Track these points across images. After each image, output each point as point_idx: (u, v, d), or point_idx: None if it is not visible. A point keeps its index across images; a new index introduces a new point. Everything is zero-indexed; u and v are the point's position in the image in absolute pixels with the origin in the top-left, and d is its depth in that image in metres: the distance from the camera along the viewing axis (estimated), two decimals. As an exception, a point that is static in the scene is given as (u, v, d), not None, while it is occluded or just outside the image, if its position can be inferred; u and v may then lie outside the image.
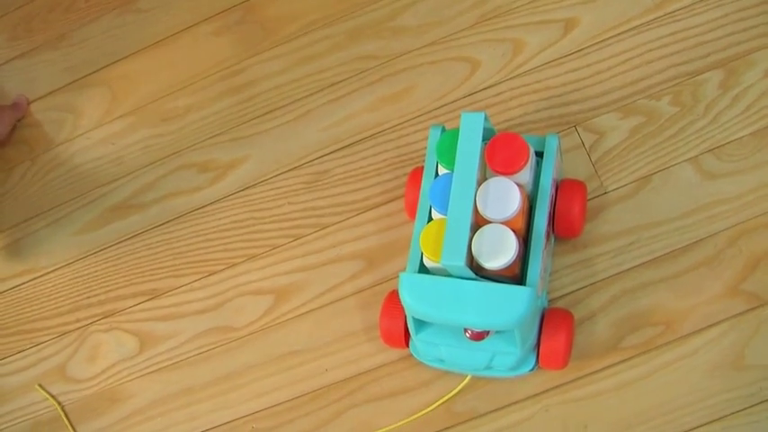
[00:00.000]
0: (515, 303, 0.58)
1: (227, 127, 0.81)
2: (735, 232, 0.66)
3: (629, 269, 0.67)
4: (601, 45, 0.74)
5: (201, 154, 0.81)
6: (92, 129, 0.85)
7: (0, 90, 0.90)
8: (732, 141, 0.69)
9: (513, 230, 0.59)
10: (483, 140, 0.60)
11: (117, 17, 0.88)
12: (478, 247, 0.59)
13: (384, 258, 0.73)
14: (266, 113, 0.80)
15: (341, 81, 0.79)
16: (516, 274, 0.62)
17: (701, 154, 0.69)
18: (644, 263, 0.67)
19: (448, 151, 0.61)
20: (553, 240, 0.68)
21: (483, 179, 0.61)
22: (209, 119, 0.82)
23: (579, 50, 0.74)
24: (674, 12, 0.73)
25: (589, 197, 0.69)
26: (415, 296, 0.60)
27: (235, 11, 0.84)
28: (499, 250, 0.58)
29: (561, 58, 0.74)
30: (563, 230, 0.66)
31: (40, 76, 0.89)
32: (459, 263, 0.57)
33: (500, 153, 0.60)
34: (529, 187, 0.63)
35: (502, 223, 0.59)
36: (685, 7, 0.73)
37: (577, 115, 0.72)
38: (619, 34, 0.73)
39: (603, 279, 0.68)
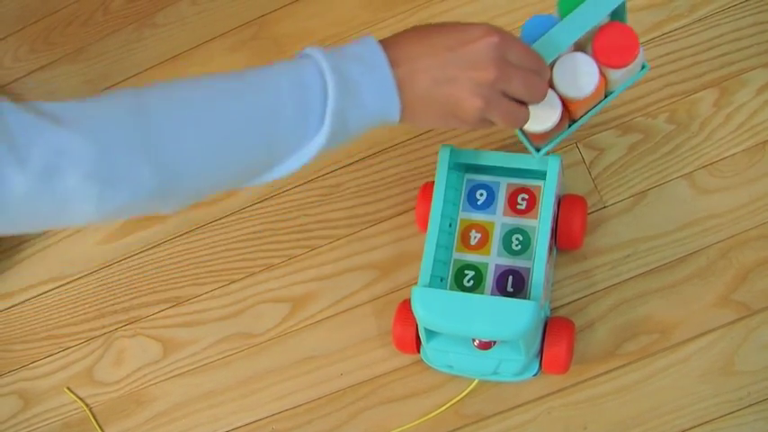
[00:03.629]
0: (520, 317, 0.62)
1: (244, 141, 0.84)
2: (726, 245, 0.70)
3: (626, 280, 0.71)
4: (601, 64, 0.77)
5: (219, 167, 0.84)
6: (112, 141, 0.88)
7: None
8: (725, 158, 0.73)
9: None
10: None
11: (134, 31, 0.91)
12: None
13: (397, 268, 0.77)
14: (281, 128, 0.84)
15: (352, 97, 0.83)
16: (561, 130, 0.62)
17: (695, 170, 0.73)
18: (640, 274, 0.71)
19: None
20: (555, 252, 0.73)
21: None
22: (226, 132, 0.85)
23: (580, 69, 0.77)
24: (671, 32, 0.76)
25: (589, 211, 0.73)
26: (427, 309, 0.64)
27: (249, 27, 0.88)
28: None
29: (563, 76, 0.78)
30: (564, 243, 0.70)
31: (61, 88, 0.92)
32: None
33: (610, 43, 0.58)
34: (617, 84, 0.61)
35: (578, 100, 0.59)
36: (682, 27, 0.76)
37: (578, 132, 0.76)
38: (618, 53, 0.77)
39: (602, 289, 0.72)
